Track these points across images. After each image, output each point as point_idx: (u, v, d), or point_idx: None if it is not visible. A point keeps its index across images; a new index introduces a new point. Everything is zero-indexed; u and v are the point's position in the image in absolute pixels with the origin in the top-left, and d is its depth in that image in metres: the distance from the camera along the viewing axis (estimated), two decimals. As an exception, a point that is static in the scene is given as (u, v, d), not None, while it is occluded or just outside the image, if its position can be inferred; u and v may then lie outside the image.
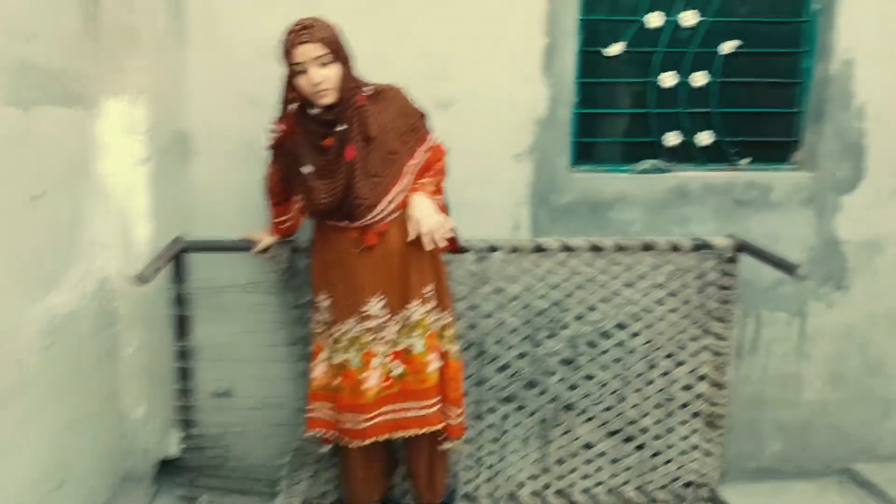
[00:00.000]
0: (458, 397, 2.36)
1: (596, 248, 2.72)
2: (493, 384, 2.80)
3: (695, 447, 2.94)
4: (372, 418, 2.28)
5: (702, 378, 2.89)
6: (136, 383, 2.79)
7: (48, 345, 2.15)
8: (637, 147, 2.99)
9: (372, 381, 2.26)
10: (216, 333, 2.75)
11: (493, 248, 2.68)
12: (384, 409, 2.29)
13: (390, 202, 2.20)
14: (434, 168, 2.32)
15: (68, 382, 2.30)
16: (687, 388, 2.90)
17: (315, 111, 2.15)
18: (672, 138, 2.98)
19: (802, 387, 3.09)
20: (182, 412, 2.70)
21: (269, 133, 2.29)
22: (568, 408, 2.86)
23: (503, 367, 2.80)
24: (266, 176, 2.46)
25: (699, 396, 2.90)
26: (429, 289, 2.29)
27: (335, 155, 2.15)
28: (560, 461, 2.89)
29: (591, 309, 2.81)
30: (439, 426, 2.33)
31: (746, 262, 2.78)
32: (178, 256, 2.59)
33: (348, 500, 2.52)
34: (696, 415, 2.92)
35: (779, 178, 2.95)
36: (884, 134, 2.92)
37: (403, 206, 2.23)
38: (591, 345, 2.83)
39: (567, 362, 2.82)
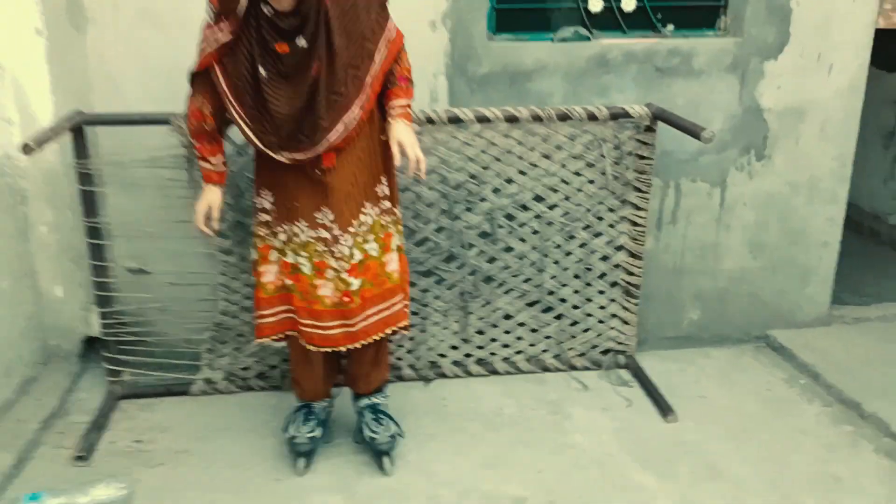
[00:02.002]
0: (392, 289, 2.29)
1: (512, 119, 2.68)
2: (412, 259, 2.80)
3: (613, 316, 3.01)
4: (331, 328, 2.21)
5: (619, 248, 2.93)
6: (52, 263, 2.80)
7: (-63, 219, 2.12)
8: (560, 13, 2.89)
9: (326, 290, 2.17)
10: (129, 210, 2.72)
11: (405, 120, 2.62)
12: (347, 321, 2.19)
13: (351, 120, 2.02)
14: (399, 71, 2.13)
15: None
16: (605, 258, 2.93)
17: (270, 11, 1.90)
18: (595, 4, 2.89)
19: (722, 256, 3.14)
20: (99, 289, 2.70)
21: (203, 44, 1.99)
22: (487, 280, 2.89)
23: (422, 242, 2.81)
24: (189, 112, 2.13)
25: (617, 266, 2.95)
26: (381, 188, 2.19)
27: (294, 67, 1.95)
28: (480, 332, 2.96)
29: (509, 181, 2.79)
30: (406, 322, 2.33)
31: (668, 133, 2.75)
32: (78, 130, 2.53)
33: (299, 394, 2.42)
34: (613, 284, 2.97)
35: (702, 45, 2.88)
36: (810, -3, 2.85)
37: (364, 118, 2.06)
38: (509, 217, 2.83)
39: (485, 235, 2.84)
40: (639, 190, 2.84)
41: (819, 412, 2.76)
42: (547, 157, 2.77)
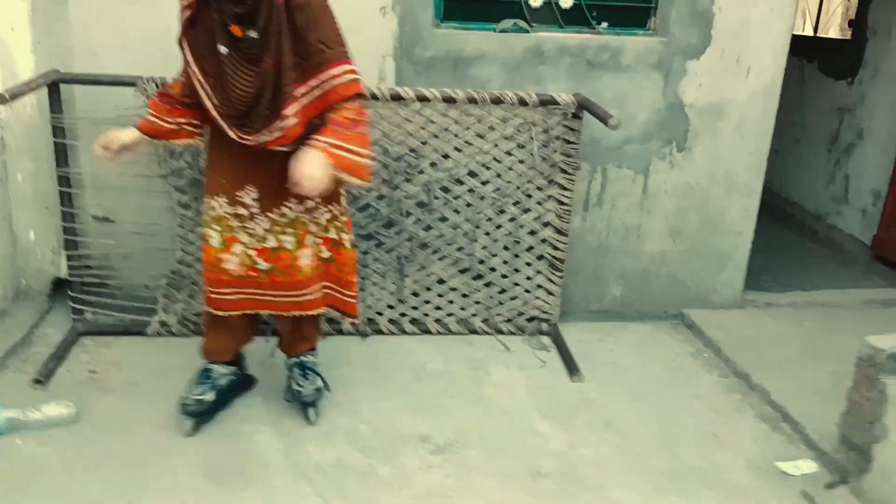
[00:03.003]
0: (351, 282, 2.42)
1: (449, 100, 2.95)
2: (355, 222, 3.06)
3: (538, 286, 3.29)
4: (233, 293, 2.33)
5: (546, 224, 3.20)
6: (27, 209, 3.07)
7: (-82, 156, 2.38)
8: (503, 6, 3.16)
9: (230, 264, 2.28)
10: (98, 163, 2.98)
11: (351, 95, 2.89)
12: (248, 290, 2.33)
13: (286, 124, 2.10)
14: (339, 116, 2.10)
15: (-55, 194, 2.55)
16: (532, 233, 3.21)
17: None
18: (536, -1, 3.16)
19: (644, 238, 3.42)
20: (68, 234, 2.97)
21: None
22: (423, 246, 3.16)
23: (364, 207, 3.08)
24: (174, 81, 2.30)
25: (543, 241, 3.22)
26: None
27: (248, 52, 2.05)
28: (415, 294, 3.23)
29: (445, 157, 3.06)
30: (315, 311, 2.40)
31: (596, 121, 2.99)
32: (55, 87, 2.79)
33: (202, 353, 2.52)
34: (540, 258, 3.25)
35: (630, 42, 3.15)
36: (732, 4, 3.11)
37: (300, 129, 2.12)
38: (445, 190, 3.11)
39: (422, 205, 3.11)
40: (565, 172, 3.11)
41: (715, 381, 3.04)
42: (481, 136, 3.04)
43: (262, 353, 2.85)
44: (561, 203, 3.15)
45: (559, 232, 3.19)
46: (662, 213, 3.38)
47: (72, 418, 2.47)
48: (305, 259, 2.31)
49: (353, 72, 2.10)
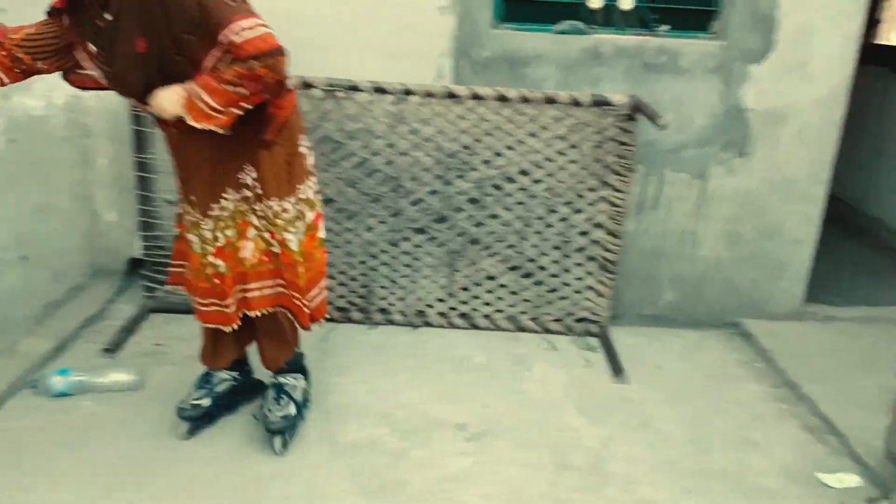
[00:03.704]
0: (301, 284, 2.23)
1: (503, 98, 3.02)
2: (407, 216, 3.19)
3: (588, 288, 3.30)
4: (204, 304, 2.27)
5: (598, 226, 3.21)
6: (108, 191, 3.32)
7: (12, 138, 2.63)
8: (561, 8, 3.20)
9: (210, 269, 2.23)
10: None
11: (408, 92, 3.01)
12: (213, 300, 2.25)
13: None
14: (224, 73, 1.92)
15: (32, 175, 2.80)
16: (584, 233, 3.23)
17: None
18: (595, 1, 3.18)
19: (700, 244, 3.38)
20: (143, 216, 3.20)
21: None
22: (474, 242, 3.24)
23: (417, 202, 3.18)
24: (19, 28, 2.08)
25: (595, 242, 3.24)
26: (245, 176, 2.14)
27: (110, 41, 1.96)
28: (465, 289, 3.31)
29: (498, 155, 3.13)
30: (259, 310, 2.26)
31: (652, 124, 3.00)
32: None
33: (200, 357, 2.48)
34: (591, 259, 3.26)
35: (689, 46, 3.13)
36: (796, 7, 3.05)
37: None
38: (497, 187, 3.17)
39: (474, 202, 3.18)
40: (619, 174, 3.12)
41: (761, 390, 2.98)
42: (534, 135, 3.09)
43: (316, 335, 2.99)
44: (614, 205, 3.16)
45: (611, 234, 3.20)
46: (719, 218, 3.34)
47: (135, 384, 2.67)
48: (247, 251, 2.19)
49: (251, 28, 1.89)
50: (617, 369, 3.02)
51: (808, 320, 3.48)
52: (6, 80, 2.10)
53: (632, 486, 2.35)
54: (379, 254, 3.25)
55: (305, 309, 2.26)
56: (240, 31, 1.88)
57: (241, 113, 1.98)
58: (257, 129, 2.08)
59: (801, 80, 3.14)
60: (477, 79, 3.16)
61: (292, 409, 2.38)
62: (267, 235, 2.19)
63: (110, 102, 3.16)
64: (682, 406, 2.82)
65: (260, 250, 2.20)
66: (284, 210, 2.19)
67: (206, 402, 2.42)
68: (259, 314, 2.27)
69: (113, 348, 2.91)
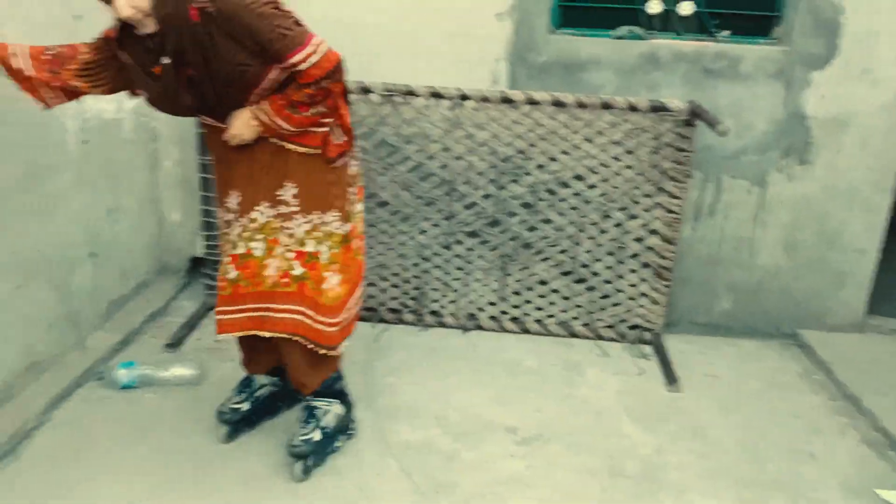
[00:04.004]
0: (328, 306, 2.16)
1: (558, 103, 3.02)
2: (461, 219, 3.22)
3: (642, 294, 3.28)
4: (227, 312, 2.20)
5: (653, 232, 3.19)
6: (173, 192, 3.43)
7: (85, 139, 2.74)
8: (620, 14, 3.19)
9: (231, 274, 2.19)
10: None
11: (464, 97, 3.04)
12: (241, 306, 2.19)
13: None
14: (297, 96, 1.98)
15: (103, 176, 2.91)
16: (638, 239, 3.21)
17: (140, 33, 1.93)
18: (654, 6, 3.16)
19: (757, 251, 3.32)
20: (206, 217, 3.30)
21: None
22: (526, 247, 3.24)
23: (470, 205, 3.20)
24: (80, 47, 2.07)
25: (650, 249, 3.21)
26: (283, 192, 2.10)
27: (167, 83, 1.96)
28: (517, 293, 3.32)
29: (552, 159, 3.13)
30: (276, 333, 2.17)
31: (711, 130, 2.96)
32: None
33: (241, 362, 2.49)
34: (645, 265, 3.24)
35: (750, 51, 3.09)
36: (859, 12, 2.99)
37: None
38: (551, 192, 3.17)
39: (527, 206, 3.19)
40: (675, 180, 3.10)
41: (820, 402, 2.92)
42: (589, 140, 3.09)
43: (367, 336, 3.05)
44: (670, 211, 3.14)
45: (666, 240, 3.17)
46: (778, 225, 3.28)
47: (195, 379, 2.75)
48: (271, 269, 2.13)
49: (313, 53, 1.92)
50: (671, 377, 2.99)
51: (869, 332, 3.39)
52: (52, 104, 2.09)
53: (685, 495, 2.32)
54: (432, 256, 3.29)
55: (329, 329, 2.17)
56: (306, 59, 1.92)
57: (325, 129, 2.07)
58: (314, 146, 2.10)
59: (864, 85, 3.07)
60: (532, 84, 3.17)
61: (317, 435, 2.28)
62: (291, 255, 2.13)
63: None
64: (737, 416, 2.78)
65: (282, 270, 2.13)
66: (325, 223, 2.15)
67: (245, 406, 2.43)
68: (274, 336, 2.18)
69: (175, 343, 3.01)
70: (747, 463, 2.50)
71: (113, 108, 2.92)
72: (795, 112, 3.13)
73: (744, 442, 2.62)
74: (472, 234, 3.25)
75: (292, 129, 2.03)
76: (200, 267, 3.48)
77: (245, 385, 2.47)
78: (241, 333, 2.22)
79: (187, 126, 3.27)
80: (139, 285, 3.30)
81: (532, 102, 3.03)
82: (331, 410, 2.36)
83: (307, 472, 2.28)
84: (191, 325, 3.17)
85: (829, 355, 3.16)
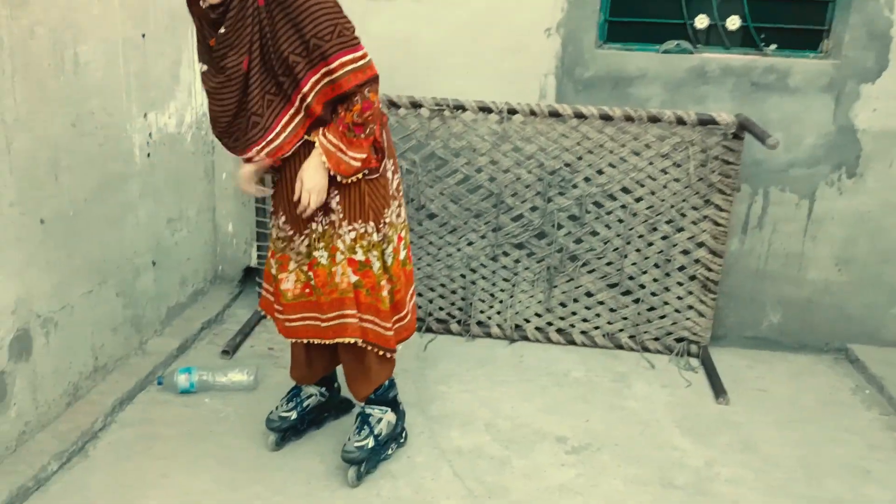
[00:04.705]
0: (377, 309, 2.23)
1: (606, 117, 3.06)
2: (507, 231, 3.26)
3: (689, 307, 3.28)
4: (292, 320, 2.28)
5: (700, 245, 3.20)
6: (228, 203, 3.54)
7: (150, 152, 2.86)
8: (668, 28, 3.22)
9: (287, 284, 2.25)
10: (287, 168, 3.39)
11: (512, 111, 3.09)
12: (304, 314, 2.27)
13: (286, 127, 2.05)
14: (344, 116, 2.01)
15: (166, 187, 3.02)
16: (685, 252, 3.22)
17: (203, 4, 1.96)
18: (701, 20, 3.19)
19: (807, 266, 3.30)
20: (260, 228, 3.40)
21: None
22: (573, 259, 3.27)
23: (517, 217, 3.25)
24: None
25: (697, 262, 3.22)
26: (330, 200, 2.14)
27: (218, 61, 1.98)
28: (563, 304, 3.34)
29: (600, 172, 3.17)
30: (344, 338, 2.23)
31: (759, 143, 2.95)
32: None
33: (291, 373, 2.53)
34: (692, 278, 3.24)
35: (799, 64, 3.09)
36: (913, 25, 2.98)
37: (304, 131, 2.08)
38: (598, 205, 3.20)
39: (574, 218, 3.22)
40: (723, 193, 3.11)
41: (874, 418, 2.88)
42: (637, 153, 3.12)
43: (416, 345, 3.09)
44: (717, 224, 3.14)
45: (714, 253, 3.18)
46: (828, 240, 3.26)
47: (251, 385, 2.83)
48: (339, 276, 2.19)
49: (356, 60, 1.96)
50: (719, 390, 2.98)
51: (923, 348, 3.34)
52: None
53: (737, 507, 2.32)
54: (479, 267, 3.33)
55: (387, 333, 2.24)
56: (355, 62, 1.96)
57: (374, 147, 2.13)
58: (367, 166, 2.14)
59: (918, 98, 3.05)
60: (579, 98, 3.22)
61: (370, 442, 2.32)
62: (344, 261, 2.18)
63: (233, 120, 3.39)
64: (789, 430, 2.77)
65: (345, 276, 2.18)
66: (368, 233, 2.18)
67: (293, 415, 2.48)
68: (343, 342, 2.23)
69: (230, 350, 3.10)
70: (803, 478, 2.49)
71: (174, 122, 3.04)
72: (846, 125, 3.12)
73: (798, 457, 2.61)
74: (519, 246, 3.29)
75: (356, 155, 2.06)
76: (253, 276, 3.58)
77: (294, 395, 2.53)
78: (318, 341, 2.28)
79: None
80: (195, 293, 3.41)
81: (579, 116, 3.07)
82: (384, 418, 2.40)
83: (360, 477, 2.33)
84: (245, 332, 3.26)
85: (881, 371, 3.12)
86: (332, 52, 1.93)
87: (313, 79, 1.97)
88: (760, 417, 2.85)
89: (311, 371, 2.48)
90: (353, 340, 2.22)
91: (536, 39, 3.17)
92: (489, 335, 3.36)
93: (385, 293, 2.23)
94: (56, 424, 2.41)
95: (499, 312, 3.38)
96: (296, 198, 2.07)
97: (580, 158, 3.15)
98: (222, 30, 1.94)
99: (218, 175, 3.48)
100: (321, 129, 2.06)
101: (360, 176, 2.13)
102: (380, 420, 2.38)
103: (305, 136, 2.08)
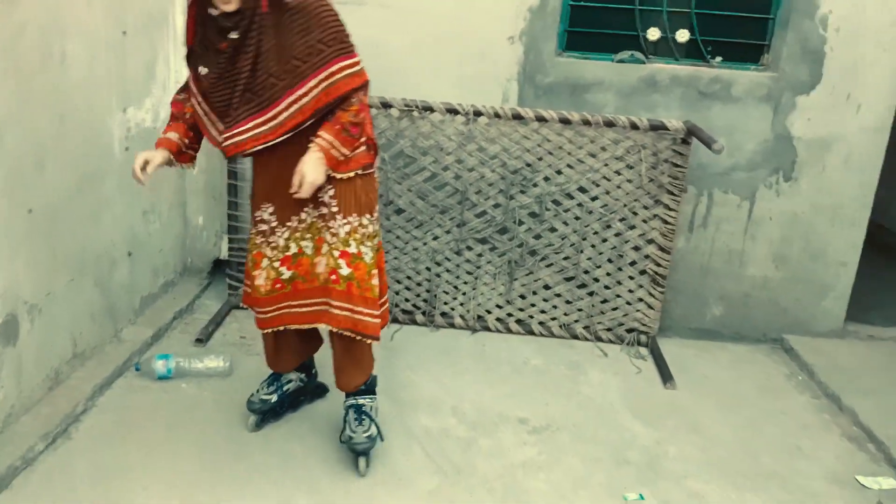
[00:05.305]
0: (367, 298, 2.30)
1: (565, 121, 3.26)
2: (471, 227, 3.44)
3: (639, 300, 3.51)
4: (266, 312, 2.40)
5: (650, 242, 3.43)
6: (199, 197, 3.62)
7: (127, 146, 2.93)
8: (622, 39, 3.44)
9: (260, 280, 2.36)
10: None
11: (478, 113, 3.27)
12: (279, 305, 2.38)
13: (262, 124, 2.15)
14: (341, 116, 2.15)
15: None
16: (636, 248, 3.44)
17: (214, 12, 2.07)
18: (653, 33, 3.42)
19: (747, 263, 3.57)
20: (231, 221, 3.49)
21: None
22: (532, 253, 3.47)
23: (481, 214, 3.43)
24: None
25: (647, 257, 3.45)
26: (323, 194, 2.25)
27: (227, 61, 2.10)
28: (522, 296, 3.54)
29: (558, 172, 3.37)
30: (339, 328, 2.31)
31: (705, 149, 3.18)
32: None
33: (266, 362, 2.62)
34: (642, 272, 3.47)
35: (741, 76, 3.35)
36: (843, 42, 3.26)
37: (291, 128, 2.15)
38: (556, 203, 3.40)
39: (534, 215, 3.42)
40: (671, 193, 3.34)
41: (806, 401, 3.16)
42: (593, 155, 3.33)
43: (383, 335, 3.24)
44: (666, 223, 3.38)
45: (662, 250, 3.41)
46: (766, 239, 3.53)
47: (226, 371, 2.94)
48: (321, 267, 2.30)
49: (352, 66, 2.12)
50: (667, 377, 3.22)
51: (848, 338, 3.64)
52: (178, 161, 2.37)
53: (685, 481, 2.54)
54: (443, 261, 3.50)
55: (374, 321, 2.32)
56: (351, 66, 2.12)
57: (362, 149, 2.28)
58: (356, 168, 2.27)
59: (847, 110, 3.34)
60: (539, 102, 3.41)
61: (374, 430, 2.45)
62: (336, 254, 2.26)
63: (205, 116, 3.47)
64: (731, 413, 3.01)
65: (330, 267, 2.28)
66: (362, 225, 2.29)
67: (273, 398, 2.61)
68: (336, 331, 2.33)
69: (204, 338, 3.19)
70: (742, 455, 2.73)
71: (150, 117, 3.12)
72: (782, 133, 3.39)
73: (737, 436, 2.85)
74: (482, 241, 3.47)
75: (348, 153, 2.20)
76: (221, 268, 3.68)
77: (274, 379, 2.65)
78: (296, 326, 2.41)
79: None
80: (166, 284, 3.49)
81: (540, 119, 3.26)
82: (374, 406, 2.53)
83: (368, 465, 2.44)
84: (217, 321, 3.35)
85: (812, 359, 3.40)
86: (332, 57, 2.09)
87: (310, 83, 2.10)
88: (704, 401, 3.09)
89: (280, 360, 2.59)
90: (341, 329, 2.31)
91: (500, 47, 3.35)
92: (452, 325, 3.54)
93: (375, 281, 2.32)
94: (39, 408, 2.48)
95: (462, 304, 3.55)
96: (294, 189, 2.14)
97: (540, 159, 3.35)
98: (235, 35, 2.06)
99: (188, 170, 3.55)
100: (319, 129, 2.15)
101: (358, 171, 2.26)
102: (372, 408, 2.51)
103: (284, 136, 2.16)
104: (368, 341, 2.36)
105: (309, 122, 2.15)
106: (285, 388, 2.66)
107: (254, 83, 2.11)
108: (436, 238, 3.47)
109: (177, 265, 3.59)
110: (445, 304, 3.55)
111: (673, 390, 3.16)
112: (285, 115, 2.14)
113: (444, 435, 2.69)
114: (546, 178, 3.37)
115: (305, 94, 2.11)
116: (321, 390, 2.83)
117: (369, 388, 2.53)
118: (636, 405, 3.02)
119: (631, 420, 2.91)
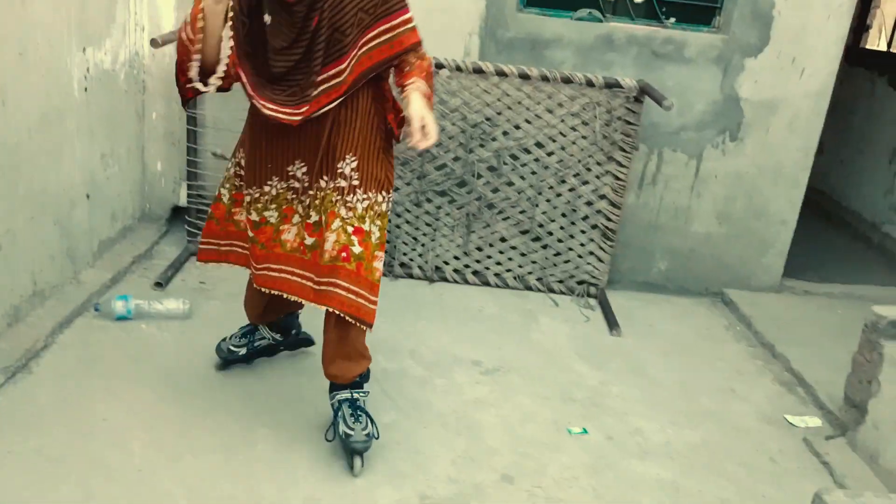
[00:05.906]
0: (371, 282, 2.15)
1: (524, 76, 3.34)
2: (431, 179, 3.51)
3: (590, 253, 3.65)
4: (274, 270, 2.25)
5: (602, 197, 3.55)
6: (157, 143, 3.62)
7: (86, 87, 2.92)
8: (582, -2, 3.53)
9: (288, 234, 2.22)
10: (220, 108, 3.49)
11: (440, 66, 3.32)
12: (294, 269, 2.23)
13: (332, 76, 2.04)
14: (419, 64, 2.13)
15: (101, 123, 3.09)
16: (589, 203, 3.57)
17: None
18: (611, -7, 3.51)
19: (692, 219, 3.73)
20: (190, 167, 3.50)
21: None
22: (490, 206, 3.57)
23: (441, 167, 3.50)
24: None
25: (598, 212, 3.58)
26: (344, 166, 2.13)
27: (302, 19, 2.00)
28: (479, 248, 3.64)
29: (517, 127, 3.46)
30: (331, 307, 2.14)
31: (657, 108, 3.31)
32: (191, 42, 3.31)
33: (247, 315, 2.58)
34: (594, 227, 3.60)
35: (693, 38, 3.47)
36: (791, 7, 3.40)
37: (350, 82, 2.06)
38: (514, 157, 3.50)
39: (492, 169, 3.51)
40: (623, 151, 3.46)
41: (741, 349, 3.35)
42: (550, 111, 3.42)
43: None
44: (617, 179, 3.50)
45: (613, 205, 3.54)
46: (711, 197, 3.69)
47: (186, 314, 2.98)
48: (328, 244, 2.12)
49: (410, 21, 2.10)
50: (613, 325, 3.37)
51: (785, 293, 3.85)
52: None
53: (627, 417, 2.70)
54: (403, 213, 3.57)
55: (372, 307, 2.17)
56: (410, 21, 2.09)
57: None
58: (382, 120, 2.19)
59: (792, 74, 3.49)
60: (500, 57, 3.48)
61: (370, 427, 2.27)
62: (350, 229, 2.12)
63: (163, 62, 3.45)
64: (672, 358, 3.18)
65: (340, 244, 2.11)
66: (377, 203, 2.16)
67: (242, 350, 2.65)
68: (338, 314, 2.15)
69: (163, 282, 3.22)
70: (681, 396, 2.90)
71: (109, 59, 3.10)
72: (731, 94, 3.53)
73: (677, 379, 3.02)
74: (441, 194, 3.55)
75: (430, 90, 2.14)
76: (180, 215, 3.69)
77: (247, 333, 2.65)
78: (294, 298, 2.24)
79: (173, 80, 3.45)
80: (124, 229, 3.49)
81: (501, 74, 3.34)
82: (366, 399, 2.37)
83: (364, 463, 2.27)
84: (175, 267, 3.38)
85: (750, 311, 3.60)
86: (396, 9, 2.06)
87: (371, 34, 2.04)
88: (648, 348, 3.25)
89: (265, 315, 2.55)
90: (333, 308, 2.14)
91: (464, 1, 3.40)
92: (411, 276, 3.63)
93: (377, 264, 2.17)
94: (-2, 343, 2.51)
95: (420, 255, 3.64)
96: (416, 138, 2.02)
97: (500, 114, 3.43)
98: None
99: (148, 114, 3.55)
100: (406, 77, 2.11)
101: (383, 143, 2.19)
102: (365, 402, 2.37)
103: (349, 91, 2.07)
104: (364, 328, 2.21)
105: (368, 76, 2.09)
106: (256, 345, 2.68)
107: (325, 38, 2.01)
108: (396, 190, 3.54)
109: (135, 211, 3.59)
110: (405, 254, 3.64)
111: (618, 337, 3.32)
112: (350, 68, 2.05)
113: (402, 375, 2.80)
114: (505, 133, 3.46)
115: (367, 43, 2.05)
116: (305, 342, 2.80)
117: (363, 381, 2.36)
118: (583, 350, 3.17)
119: (578, 363, 3.06)
